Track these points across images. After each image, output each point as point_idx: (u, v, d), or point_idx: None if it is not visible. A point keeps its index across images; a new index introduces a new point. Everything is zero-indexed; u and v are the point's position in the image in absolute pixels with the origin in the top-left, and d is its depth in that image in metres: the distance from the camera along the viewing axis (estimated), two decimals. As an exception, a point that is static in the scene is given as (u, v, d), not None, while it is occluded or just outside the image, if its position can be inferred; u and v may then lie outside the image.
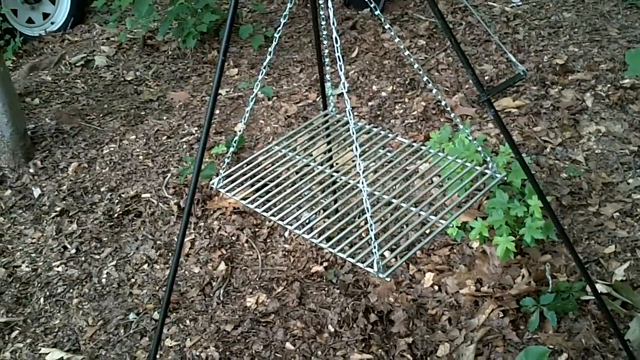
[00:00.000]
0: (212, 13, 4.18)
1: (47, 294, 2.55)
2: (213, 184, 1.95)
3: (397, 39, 1.67)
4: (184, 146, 3.32)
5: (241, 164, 2.05)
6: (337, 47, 1.57)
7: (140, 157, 3.28)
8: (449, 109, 1.86)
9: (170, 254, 2.67)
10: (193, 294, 2.47)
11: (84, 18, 4.98)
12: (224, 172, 1.93)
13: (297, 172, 1.96)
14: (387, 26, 1.77)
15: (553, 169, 2.88)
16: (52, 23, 4.88)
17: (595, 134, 3.11)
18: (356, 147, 1.60)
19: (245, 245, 2.69)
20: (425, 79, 1.83)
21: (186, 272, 2.58)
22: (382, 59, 3.99)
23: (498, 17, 4.43)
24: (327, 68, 2.23)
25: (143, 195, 3.01)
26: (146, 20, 4.26)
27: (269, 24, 4.59)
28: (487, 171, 1.86)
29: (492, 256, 2.36)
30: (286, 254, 2.63)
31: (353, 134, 1.59)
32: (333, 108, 2.25)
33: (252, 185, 1.94)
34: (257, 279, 2.52)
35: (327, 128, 2.18)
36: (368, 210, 1.49)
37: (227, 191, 1.91)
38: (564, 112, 3.26)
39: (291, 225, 1.71)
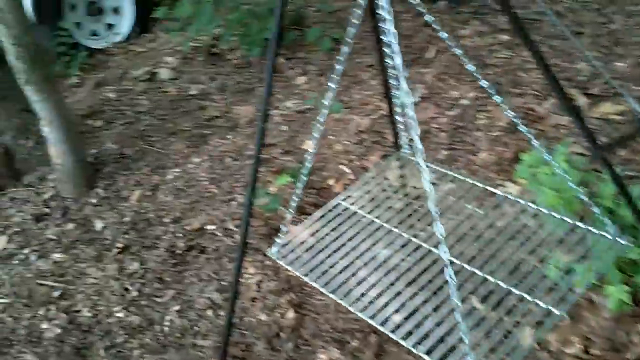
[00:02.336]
0: (277, 18, 3.93)
1: (108, 343, 2.40)
2: (272, 254, 1.72)
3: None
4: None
5: (304, 225, 1.80)
6: (399, 69, 1.30)
7: (205, 182, 3.09)
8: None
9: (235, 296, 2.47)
10: (260, 347, 2.25)
11: (148, 27, 4.84)
12: (283, 237, 1.69)
13: (368, 237, 1.70)
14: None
15: None
16: (116, 34, 4.77)
17: None
18: (434, 211, 1.33)
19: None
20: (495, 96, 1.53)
21: (252, 320, 2.36)
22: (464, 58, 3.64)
23: (590, 3, 4.00)
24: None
25: (207, 228, 2.82)
26: (209, 28, 4.06)
27: (337, 24, 4.31)
28: (605, 235, 1.54)
29: (601, 306, 2.04)
30: (361, 296, 2.38)
31: (429, 192, 1.33)
32: (406, 145, 1.96)
33: (314, 254, 1.69)
34: (330, 330, 2.28)
35: (401, 176, 1.91)
36: (458, 310, 1.22)
37: (288, 264, 1.67)
38: (674, 116, 2.86)
39: (364, 311, 1.45)
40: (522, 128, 1.65)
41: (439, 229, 1.30)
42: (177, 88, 3.97)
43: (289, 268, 1.68)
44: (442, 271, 1.50)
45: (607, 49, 3.47)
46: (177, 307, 2.48)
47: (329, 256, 1.73)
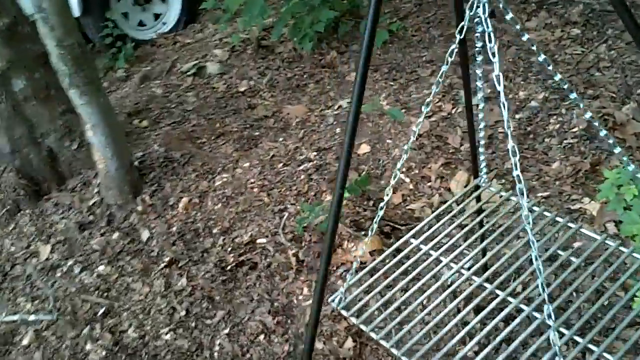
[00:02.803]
0: (331, 9, 3.73)
1: (155, 369, 2.27)
2: (333, 302, 1.54)
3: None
4: (302, 176, 2.93)
5: (368, 269, 1.62)
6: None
7: (255, 189, 2.93)
8: None
9: (289, 320, 2.31)
10: (316, 381, 2.10)
11: (196, 17, 4.69)
12: (347, 285, 1.52)
13: (443, 287, 1.51)
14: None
15: None
16: (163, 24, 4.63)
17: None
18: (536, 257, 1.14)
19: (376, 312, 2.27)
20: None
21: (308, 349, 2.20)
22: (528, 54, 3.39)
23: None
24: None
25: (258, 241, 2.66)
26: (260, 19, 3.87)
27: (393, 14, 4.08)
28: None
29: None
30: (425, 326, 2.19)
31: (530, 239, 1.14)
32: (485, 176, 1.76)
33: (383, 305, 1.51)
34: (391, 364, 2.10)
35: (479, 212, 1.70)
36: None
37: (351, 314, 1.49)
38: None
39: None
40: (606, 134, 1.44)
41: (544, 291, 1.11)
42: (225, 84, 3.80)
43: (354, 321, 1.49)
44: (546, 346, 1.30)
45: None
46: (227, 331, 2.33)
47: (399, 309, 1.55)
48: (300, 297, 2.38)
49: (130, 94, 3.87)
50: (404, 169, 2.85)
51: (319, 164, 2.96)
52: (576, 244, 2.31)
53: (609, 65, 3.15)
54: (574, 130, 2.81)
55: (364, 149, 3.02)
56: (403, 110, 3.17)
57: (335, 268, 2.44)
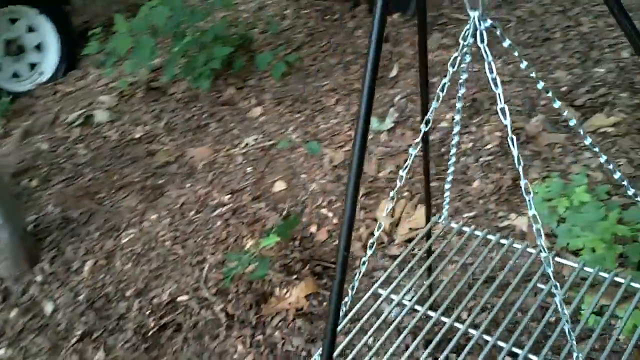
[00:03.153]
0: (223, 46, 3.58)
1: None
2: None
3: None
4: (218, 222, 2.74)
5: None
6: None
7: (167, 242, 2.71)
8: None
9: (226, 384, 2.11)
10: None
11: (76, 63, 4.39)
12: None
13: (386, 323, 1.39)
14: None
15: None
16: (40, 73, 4.30)
17: None
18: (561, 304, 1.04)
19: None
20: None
21: (253, 414, 2.01)
22: (428, 75, 3.37)
23: (550, 5, 3.81)
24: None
25: (180, 299, 2.44)
26: (149, 60, 3.65)
27: (287, 45, 3.98)
28: None
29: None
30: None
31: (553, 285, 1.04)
32: (446, 214, 1.65)
33: None
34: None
35: (430, 252, 1.60)
36: None
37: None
38: (674, 125, 2.66)
39: None
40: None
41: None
42: (117, 132, 3.55)
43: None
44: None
45: (582, 54, 3.27)
46: (158, 406, 2.10)
47: (343, 354, 1.42)
48: (235, 356, 2.18)
49: (13, 151, 3.53)
50: (324, 203, 2.73)
51: (235, 207, 2.78)
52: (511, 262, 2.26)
53: (509, 79, 3.18)
54: (488, 147, 2.79)
55: (280, 186, 2.87)
56: (314, 141, 3.05)
57: (270, 319, 2.26)
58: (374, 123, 3.10)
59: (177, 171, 3.13)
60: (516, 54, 1.10)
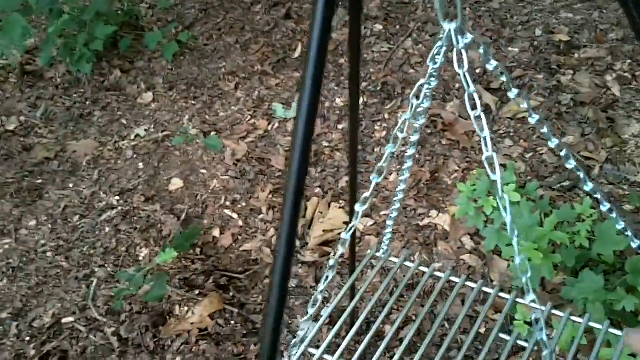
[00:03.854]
0: (106, 24, 3.21)
1: None
2: None
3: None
4: (106, 229, 2.43)
5: None
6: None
7: (49, 253, 2.37)
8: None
9: (122, 422, 1.84)
10: None
11: None
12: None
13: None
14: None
15: (615, 201, 2.20)
16: None
17: (640, 137, 2.45)
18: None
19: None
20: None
21: None
22: (335, 56, 3.16)
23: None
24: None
25: (65, 321, 2.13)
26: (22, 41, 3.22)
27: (179, 22, 3.64)
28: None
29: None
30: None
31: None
32: (386, 248, 1.44)
33: None
34: None
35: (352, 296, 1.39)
36: None
37: None
38: (592, 109, 2.57)
39: None
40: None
41: None
42: (-13, 123, 3.12)
43: None
44: None
45: (494, 32, 3.14)
46: None
47: None
48: (132, 388, 1.91)
49: None
50: (228, 203, 2.47)
51: (126, 210, 2.48)
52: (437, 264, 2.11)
53: (420, 60, 3.02)
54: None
55: (177, 184, 2.58)
56: (213, 133, 2.77)
57: (170, 342, 2.00)
58: (279, 110, 2.86)
59: (58, 169, 2.76)
60: (504, 79, 0.89)
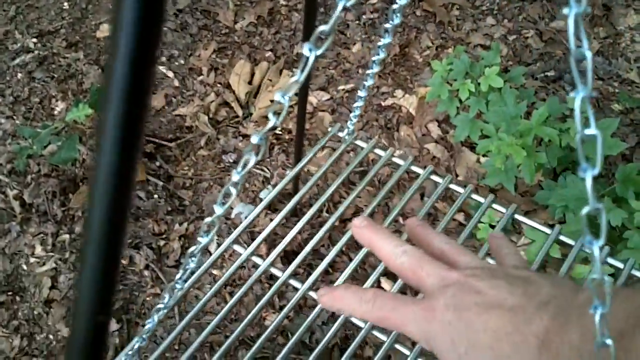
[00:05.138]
0: None
1: None
2: None
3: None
4: (19, 75, 2.06)
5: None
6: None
7: (-52, 97, 2.02)
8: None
9: (17, 299, 1.58)
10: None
11: None
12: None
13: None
14: None
15: (603, 99, 1.94)
16: None
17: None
18: None
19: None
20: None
21: (51, 338, 1.52)
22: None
23: None
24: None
25: (-41, 178, 1.82)
26: None
27: None
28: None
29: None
30: None
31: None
32: (352, 127, 1.14)
33: None
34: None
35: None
36: None
37: None
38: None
39: None
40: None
41: None
42: None
43: None
44: None
45: None
46: None
47: None
48: (32, 260, 1.65)
49: None
50: (163, 58, 2.13)
51: (43, 56, 2.12)
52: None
53: None
54: (373, 0, 2.28)
55: (106, 30, 2.21)
56: None
57: (81, 213, 1.72)
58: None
59: (-32, 0, 2.35)
60: None
